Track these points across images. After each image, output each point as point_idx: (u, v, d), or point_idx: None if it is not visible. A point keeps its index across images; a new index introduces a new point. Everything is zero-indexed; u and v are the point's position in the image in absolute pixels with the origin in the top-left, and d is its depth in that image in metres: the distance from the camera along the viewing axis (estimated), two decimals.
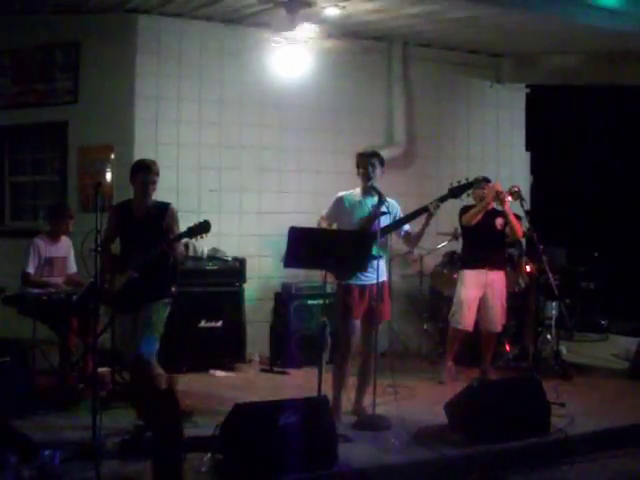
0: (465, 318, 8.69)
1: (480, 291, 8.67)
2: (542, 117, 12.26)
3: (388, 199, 6.78)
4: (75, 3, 9.35)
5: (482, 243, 8.67)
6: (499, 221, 8.69)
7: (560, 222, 11.87)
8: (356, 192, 7.06)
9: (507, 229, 8.73)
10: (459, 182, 7.04)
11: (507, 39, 10.39)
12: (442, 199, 6.93)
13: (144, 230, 6.55)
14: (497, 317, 8.73)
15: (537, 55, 11.26)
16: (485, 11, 8.96)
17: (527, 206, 8.81)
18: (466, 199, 7.57)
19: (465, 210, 8.71)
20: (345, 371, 6.92)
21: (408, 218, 6.98)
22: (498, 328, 8.78)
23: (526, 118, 12.05)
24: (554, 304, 9.71)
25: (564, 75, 11.11)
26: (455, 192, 7.03)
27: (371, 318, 6.82)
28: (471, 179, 7.13)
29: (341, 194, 7.08)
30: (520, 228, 8.76)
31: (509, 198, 8.59)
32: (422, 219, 6.92)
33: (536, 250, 8.49)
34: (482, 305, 8.71)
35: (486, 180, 8.71)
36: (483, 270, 8.67)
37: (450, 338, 8.92)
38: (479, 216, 8.57)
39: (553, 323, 9.62)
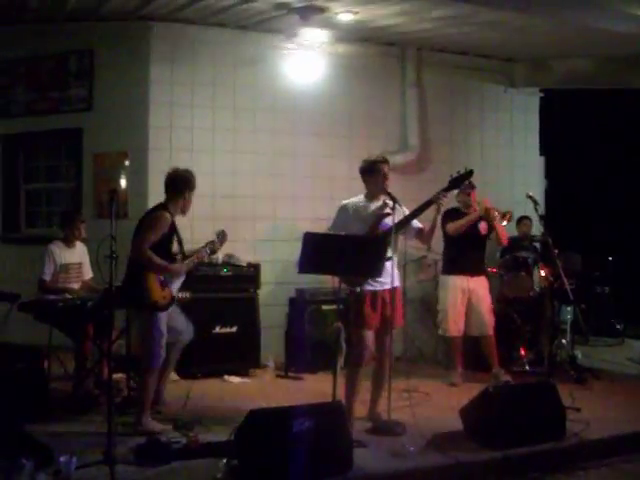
0: (451, 324, 8.85)
1: (464, 296, 8.81)
2: (556, 121, 12.23)
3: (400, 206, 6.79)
4: (89, 11, 9.39)
5: (464, 248, 8.81)
6: (483, 225, 8.76)
7: (575, 226, 11.85)
8: (359, 198, 7.06)
9: (492, 234, 8.79)
10: (458, 172, 7.05)
11: (521, 43, 10.38)
12: (445, 190, 6.93)
13: (178, 234, 6.89)
14: (485, 321, 8.84)
15: (551, 59, 11.26)
16: (500, 15, 8.97)
17: (542, 210, 8.80)
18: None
19: (449, 214, 8.76)
20: (358, 378, 6.89)
21: (413, 214, 6.96)
22: (489, 331, 8.87)
23: (540, 122, 12.03)
24: (569, 309, 9.71)
25: (578, 79, 11.11)
26: (456, 182, 7.06)
27: (384, 324, 6.83)
28: (470, 168, 7.12)
29: (344, 202, 7.09)
30: (505, 235, 8.83)
31: (504, 222, 8.66)
32: (431, 215, 6.94)
33: (551, 255, 8.49)
34: (468, 312, 8.84)
35: (471, 186, 8.71)
36: (464, 276, 8.81)
37: (451, 346, 9.01)
38: (463, 229, 8.65)
39: (568, 328, 9.61)
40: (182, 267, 6.80)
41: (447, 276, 8.98)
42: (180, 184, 6.86)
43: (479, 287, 8.87)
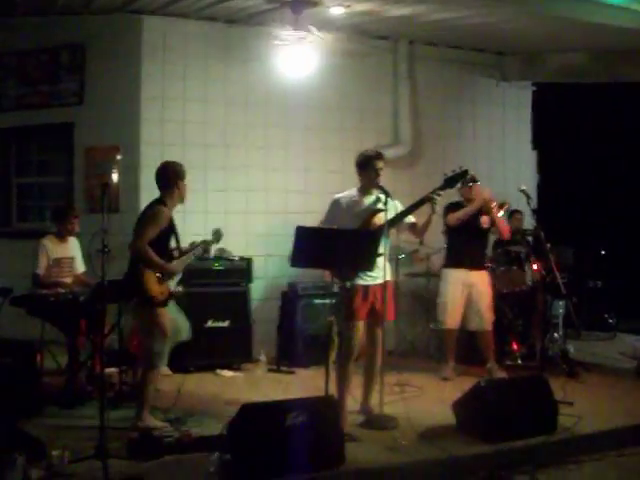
0: (449, 317, 8.85)
1: (464, 290, 8.80)
2: (548, 115, 12.23)
3: (392, 200, 6.80)
4: (80, 5, 9.36)
5: (466, 242, 8.81)
6: (484, 219, 8.75)
7: (567, 220, 11.85)
8: (352, 192, 7.07)
9: (494, 228, 8.81)
10: (453, 171, 7.03)
11: (514, 37, 10.37)
12: (439, 189, 6.91)
13: (175, 229, 6.85)
14: (485, 316, 8.83)
15: (543, 53, 11.25)
16: (491, 9, 8.97)
17: (534, 205, 8.80)
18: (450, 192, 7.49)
19: (450, 208, 8.78)
20: (349, 372, 6.90)
21: (407, 211, 6.98)
22: (488, 327, 8.86)
23: (532, 116, 12.03)
24: (561, 303, 9.71)
25: (570, 73, 11.10)
26: (450, 182, 7.02)
27: (375, 318, 6.84)
28: (465, 167, 7.11)
29: (337, 196, 7.09)
30: (507, 229, 8.86)
31: (500, 213, 8.68)
32: (426, 210, 6.94)
33: (543, 249, 8.49)
34: (468, 306, 8.83)
35: (473, 180, 8.72)
36: (465, 270, 8.82)
37: (445, 339, 9.02)
38: (463, 219, 8.64)
39: (560, 322, 9.61)
40: (177, 266, 6.79)
41: (448, 269, 8.97)
42: (171, 175, 6.82)
43: (480, 281, 8.85)
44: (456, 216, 8.72)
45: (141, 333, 6.85)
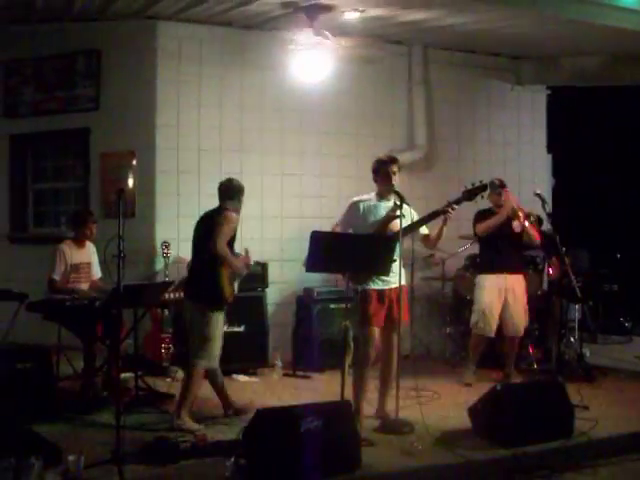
0: (488, 325, 8.67)
1: (501, 296, 8.64)
2: (563, 119, 12.21)
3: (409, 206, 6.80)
4: (96, 11, 9.40)
5: (499, 247, 8.64)
6: (516, 224, 8.63)
7: (582, 224, 11.82)
8: (370, 197, 7.08)
9: (525, 235, 8.70)
10: (473, 184, 7.01)
11: (528, 41, 10.36)
12: (456, 202, 6.92)
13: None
14: (520, 321, 8.70)
15: (558, 57, 11.23)
16: (505, 13, 8.96)
17: (549, 208, 8.76)
18: (480, 201, 7.45)
19: (480, 216, 8.67)
20: (365, 376, 6.90)
21: (422, 221, 6.98)
22: (521, 332, 8.74)
23: (547, 120, 12.01)
24: (577, 307, 9.66)
25: (585, 76, 11.07)
26: (469, 195, 7.01)
27: (391, 323, 6.84)
28: (485, 181, 7.10)
29: (355, 199, 7.10)
30: (538, 234, 8.71)
31: (526, 223, 8.53)
32: (439, 221, 6.92)
33: (559, 252, 8.45)
34: (504, 310, 8.67)
35: (502, 185, 8.65)
36: (502, 275, 8.66)
37: (473, 344, 8.89)
38: (491, 229, 8.57)
39: (576, 326, 9.57)
40: (243, 267, 7.11)
41: (484, 276, 8.80)
42: (237, 189, 7.25)
43: (516, 285, 8.69)
44: (483, 227, 8.59)
45: (195, 334, 6.90)
